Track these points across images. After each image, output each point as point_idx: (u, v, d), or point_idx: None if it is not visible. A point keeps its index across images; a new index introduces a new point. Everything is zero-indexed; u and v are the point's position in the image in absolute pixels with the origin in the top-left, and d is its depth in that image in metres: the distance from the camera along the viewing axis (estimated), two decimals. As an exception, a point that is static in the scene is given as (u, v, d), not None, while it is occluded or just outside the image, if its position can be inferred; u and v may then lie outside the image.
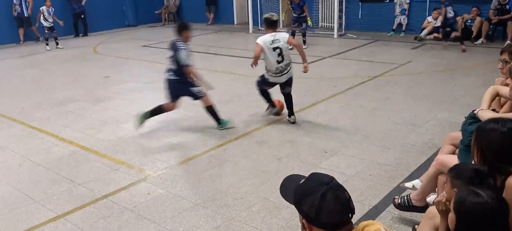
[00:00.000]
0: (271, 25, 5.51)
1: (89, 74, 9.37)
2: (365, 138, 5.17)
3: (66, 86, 8.37)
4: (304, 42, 10.91)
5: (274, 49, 5.36)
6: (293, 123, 5.70)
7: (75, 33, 15.23)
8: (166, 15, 18.03)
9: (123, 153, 5.09)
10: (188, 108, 6.58)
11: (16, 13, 13.62)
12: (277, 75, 5.50)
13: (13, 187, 4.38)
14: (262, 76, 5.70)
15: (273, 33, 5.44)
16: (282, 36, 5.45)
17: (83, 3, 15.03)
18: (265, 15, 5.73)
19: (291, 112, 5.72)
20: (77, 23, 15.20)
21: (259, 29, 14.66)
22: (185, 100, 6.97)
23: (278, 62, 5.40)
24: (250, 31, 14.48)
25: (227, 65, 9.71)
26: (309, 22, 11.39)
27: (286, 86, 5.64)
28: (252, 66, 5.64)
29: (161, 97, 7.39)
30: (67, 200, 4.07)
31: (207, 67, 9.43)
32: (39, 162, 4.93)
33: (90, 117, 6.48)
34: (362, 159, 4.59)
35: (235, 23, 16.55)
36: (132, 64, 10.29)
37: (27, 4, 13.77)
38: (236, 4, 16.52)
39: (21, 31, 13.91)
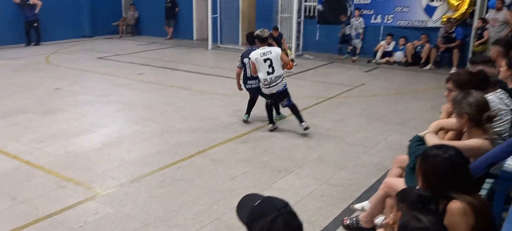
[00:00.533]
0: (264, 40, 5.93)
1: (40, 85, 9.01)
2: (319, 158, 5.25)
3: (15, 97, 8.00)
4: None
5: (265, 60, 5.72)
6: (307, 128, 5.93)
7: (27, 41, 14.63)
8: (124, 27, 17.73)
9: (72, 169, 4.90)
10: (143, 124, 6.46)
11: None
12: (267, 86, 5.81)
13: None
14: (260, 91, 6.10)
15: (264, 47, 5.86)
16: (274, 50, 5.88)
17: (36, 11, 14.51)
18: (256, 32, 6.03)
19: (300, 121, 5.95)
20: (30, 31, 14.62)
21: (218, 46, 14.71)
22: (140, 115, 6.86)
23: (268, 73, 5.73)
24: (209, 48, 14.47)
25: (185, 80, 9.63)
26: (288, 53, 11.19)
27: (280, 100, 6.01)
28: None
29: (113, 110, 7.26)
30: (8, 219, 3.85)
31: (164, 82, 9.34)
32: (-22, 177, 4.65)
33: (39, 129, 6.21)
34: (316, 179, 4.65)
35: (195, 38, 16.50)
36: (86, 76, 9.99)
37: None
38: (195, 19, 16.49)
39: None
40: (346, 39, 12.45)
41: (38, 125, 6.43)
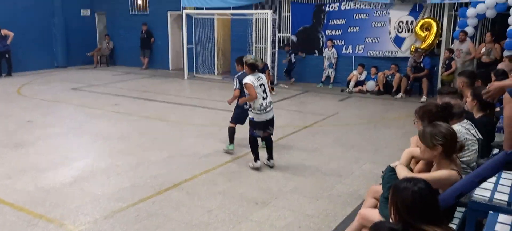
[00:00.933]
0: (255, 68, 5.83)
1: (10, 117, 8.81)
2: (295, 188, 5.28)
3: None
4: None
5: (260, 86, 5.67)
6: (272, 167, 5.94)
7: (0, 72, 14.35)
8: (99, 57, 17.62)
9: (43, 205, 4.76)
10: (118, 157, 6.37)
11: None
12: (263, 112, 5.72)
13: None
14: (251, 122, 5.85)
15: (255, 73, 5.78)
16: (262, 75, 5.91)
17: (8, 42, 14.30)
18: (250, 60, 5.83)
19: (270, 156, 5.98)
20: (1, 62, 14.36)
21: (194, 76, 14.77)
22: (115, 147, 6.77)
23: (264, 98, 5.70)
24: (185, 78, 14.51)
25: (161, 111, 9.59)
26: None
27: (270, 126, 5.92)
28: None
29: (86, 143, 7.14)
30: (-26, 260, 3.71)
31: (139, 113, 9.27)
32: None
33: (8, 164, 6.04)
34: (292, 210, 4.67)
35: (170, 68, 16.52)
36: (59, 107, 9.83)
37: None
38: (171, 50, 16.56)
39: None
40: (289, 69, 13.21)
41: (7, 159, 6.26)
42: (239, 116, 6.60)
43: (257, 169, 5.84)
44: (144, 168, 5.96)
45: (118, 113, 9.32)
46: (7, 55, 14.35)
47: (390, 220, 2.53)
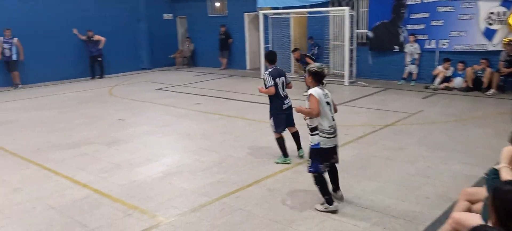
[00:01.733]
0: (321, 78, 4.59)
1: (104, 116, 9.55)
2: (379, 189, 5.14)
3: (82, 128, 8.52)
4: None
5: (328, 103, 4.53)
6: (342, 199, 4.81)
7: (92, 75, 15.64)
8: (180, 59, 18.46)
9: (136, 197, 5.11)
10: (202, 154, 6.64)
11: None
12: (332, 136, 4.52)
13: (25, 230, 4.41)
14: (315, 151, 4.52)
15: (321, 86, 4.59)
16: (328, 90, 4.69)
17: (100, 46, 15.51)
18: (315, 69, 4.59)
19: (337, 186, 4.86)
20: (94, 65, 15.64)
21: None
22: (199, 145, 7.07)
23: (333, 119, 4.58)
24: (262, 77, 14.70)
25: (240, 110, 9.82)
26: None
27: (334, 154, 4.69)
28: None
29: (173, 140, 7.53)
30: (80, 246, 4.08)
31: (220, 112, 9.58)
32: (53, 205, 4.97)
33: (105, 159, 6.56)
34: (376, 211, 4.55)
35: (247, 68, 16.86)
36: (147, 107, 10.46)
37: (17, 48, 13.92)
38: (248, 50, 16.88)
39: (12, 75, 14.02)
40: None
41: (104, 155, 6.79)
42: (280, 118, 6.07)
43: (333, 212, 4.52)
44: (227, 164, 6.15)
45: (200, 112, 9.71)
46: (99, 59, 15.60)
47: (489, 224, 2.38)
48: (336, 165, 4.79)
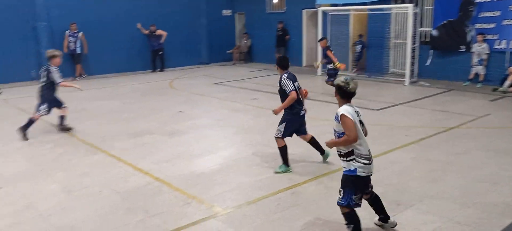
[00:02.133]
0: (349, 96, 3.85)
1: (165, 108, 9.88)
2: (442, 193, 4.93)
3: (143, 119, 8.88)
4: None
5: (361, 123, 3.87)
6: (395, 225, 4.20)
7: (153, 68, 16.24)
8: (237, 54, 18.70)
9: (195, 187, 5.26)
10: (258, 149, 6.70)
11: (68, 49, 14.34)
12: (370, 162, 3.82)
13: (93, 212, 4.67)
14: (350, 180, 3.79)
15: (350, 103, 3.88)
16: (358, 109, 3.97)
17: (162, 40, 16.07)
18: (339, 83, 3.86)
19: (386, 214, 4.19)
20: (155, 59, 16.23)
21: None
22: (255, 139, 7.13)
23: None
24: (318, 74, 14.57)
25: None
26: (337, 65, 10.58)
27: (369, 182, 4.02)
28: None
29: (230, 134, 7.66)
30: (142, 230, 4.25)
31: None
32: (117, 190, 5.23)
33: (165, 149, 6.80)
34: (439, 216, 4.37)
35: (303, 64, 16.77)
36: (205, 101, 10.71)
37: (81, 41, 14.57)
38: (305, 47, 16.78)
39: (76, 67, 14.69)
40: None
41: (164, 145, 7.03)
42: (293, 125, 5.71)
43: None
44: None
45: (256, 107, 9.79)
46: (160, 53, 16.16)
47: None
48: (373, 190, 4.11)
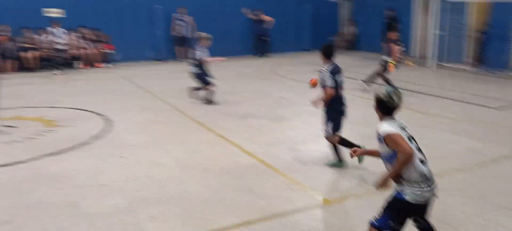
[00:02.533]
0: (391, 110, 3.27)
1: (268, 93, 10.08)
2: None
3: (248, 102, 9.16)
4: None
5: (410, 139, 3.16)
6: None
7: (257, 53, 16.60)
8: (341, 42, 18.33)
9: (300, 174, 5.31)
10: (365, 141, 6.52)
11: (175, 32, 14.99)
12: (430, 185, 3.08)
13: (204, 187, 4.96)
14: (396, 202, 3.13)
15: (393, 119, 3.25)
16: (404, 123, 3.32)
17: (267, 26, 16.32)
18: (379, 96, 3.31)
19: None
20: (260, 44, 16.56)
21: (442, 65, 13.76)
22: (361, 131, 6.95)
23: (423, 162, 3.12)
24: (429, 65, 13.69)
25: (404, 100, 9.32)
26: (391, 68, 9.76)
27: (428, 209, 3.23)
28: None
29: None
30: (249, 210, 4.42)
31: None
32: (225, 168, 5.49)
33: (270, 134, 6.95)
34: None
35: (412, 55, 15.89)
36: (307, 87, 10.66)
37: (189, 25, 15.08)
38: (415, 35, 15.86)
39: (178, 50, 15.25)
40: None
41: (269, 130, 7.20)
42: (340, 122, 5.40)
43: None
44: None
45: (361, 98, 9.54)
46: (265, 38, 16.43)
47: None
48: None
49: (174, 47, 15.35)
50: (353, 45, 18.26)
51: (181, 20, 15.15)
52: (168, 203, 4.54)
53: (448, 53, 13.90)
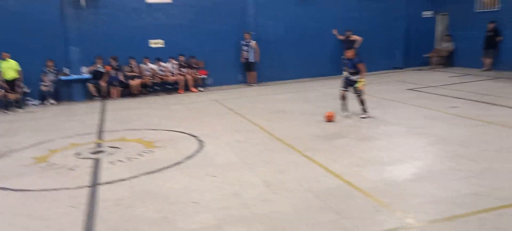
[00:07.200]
0: None
1: (354, 113, 9.91)
2: None
3: (337, 122, 9.09)
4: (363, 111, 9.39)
5: None
6: None
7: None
8: (436, 59, 17.43)
9: (387, 196, 5.15)
10: (457, 162, 6.16)
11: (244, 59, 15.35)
12: None
13: (289, 207, 5.04)
14: None
15: None
16: None
17: (356, 46, 16.07)
18: None
19: None
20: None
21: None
22: (454, 151, 6.56)
23: None
24: None
25: (507, 118, 8.61)
26: (359, 85, 9.29)
27: None
28: None
29: (424, 143, 7.22)
30: None
31: (481, 118, 8.64)
32: (310, 189, 5.51)
33: (356, 154, 6.85)
34: None
35: (518, 70, 14.58)
36: (398, 107, 10.35)
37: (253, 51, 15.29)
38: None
39: (248, 75, 15.58)
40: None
41: (355, 150, 7.08)
42: None
43: None
44: (487, 177, 5.53)
45: (456, 116, 8.98)
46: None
47: None
48: None
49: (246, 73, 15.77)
50: (449, 61, 17.26)
51: (246, 45, 15.37)
52: (254, 221, 4.70)
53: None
